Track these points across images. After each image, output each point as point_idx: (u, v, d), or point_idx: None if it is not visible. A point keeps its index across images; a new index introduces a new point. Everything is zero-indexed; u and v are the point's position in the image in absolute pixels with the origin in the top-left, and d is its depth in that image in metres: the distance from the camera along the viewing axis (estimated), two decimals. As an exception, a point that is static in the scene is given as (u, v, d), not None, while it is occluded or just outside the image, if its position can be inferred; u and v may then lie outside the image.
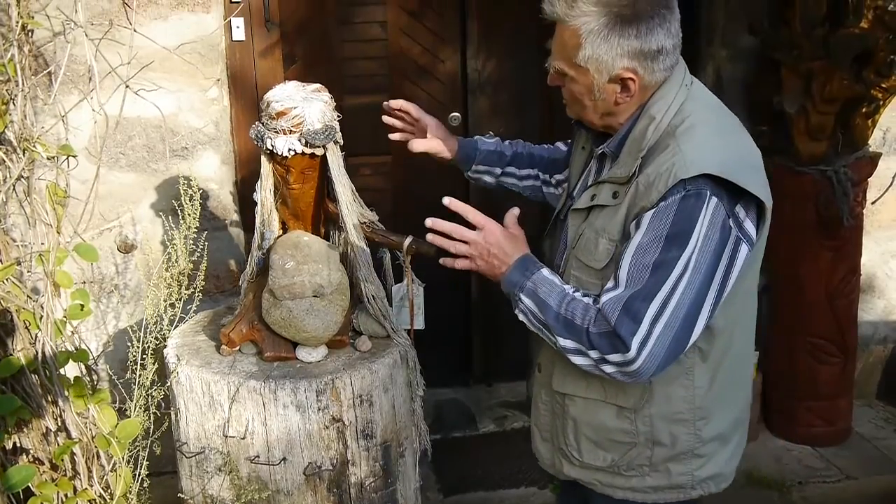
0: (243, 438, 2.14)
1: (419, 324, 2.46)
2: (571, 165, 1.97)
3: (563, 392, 1.84)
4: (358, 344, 2.31)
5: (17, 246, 2.33)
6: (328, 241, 2.42)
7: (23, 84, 2.20)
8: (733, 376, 1.78)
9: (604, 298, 1.59)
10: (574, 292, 1.66)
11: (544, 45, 1.74)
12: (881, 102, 3.25)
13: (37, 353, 2.14)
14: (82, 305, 2.21)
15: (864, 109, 3.25)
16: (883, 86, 3.15)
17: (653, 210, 1.56)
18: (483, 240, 1.72)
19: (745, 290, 1.71)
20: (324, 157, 2.19)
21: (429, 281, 2.48)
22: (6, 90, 2.18)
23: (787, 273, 3.51)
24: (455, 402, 3.99)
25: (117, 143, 3.15)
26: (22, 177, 2.21)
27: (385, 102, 2.27)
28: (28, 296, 2.18)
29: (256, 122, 2.17)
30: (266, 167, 2.26)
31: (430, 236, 1.75)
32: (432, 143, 2.25)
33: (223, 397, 2.14)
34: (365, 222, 2.35)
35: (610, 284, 1.61)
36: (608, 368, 1.60)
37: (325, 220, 2.42)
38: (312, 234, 2.35)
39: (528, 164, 2.27)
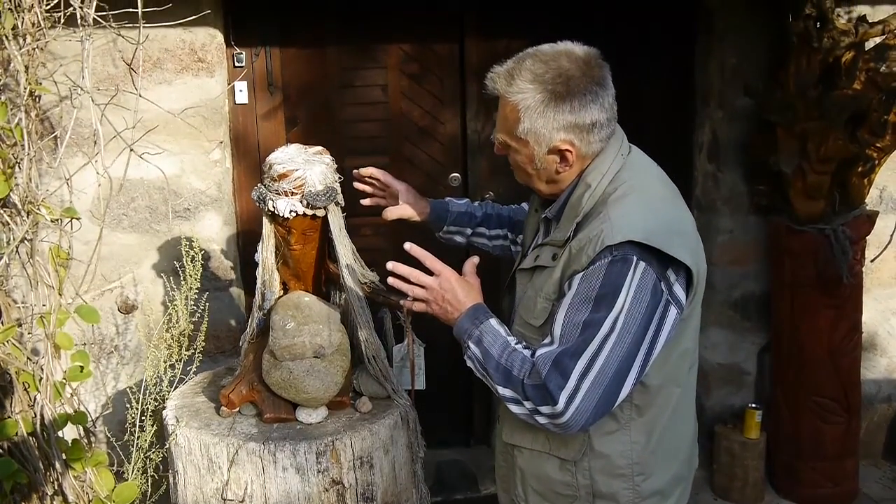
0: (242, 502, 2.11)
1: (420, 384, 2.45)
2: (526, 227, 2.05)
3: (512, 443, 1.91)
4: (358, 405, 2.30)
5: (19, 307, 2.33)
6: (329, 301, 2.42)
7: (29, 148, 2.23)
8: (672, 433, 1.82)
9: (539, 352, 1.65)
10: (516, 344, 1.72)
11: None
12: (876, 162, 3.28)
13: (35, 415, 2.13)
14: (82, 367, 2.20)
15: (859, 169, 3.28)
16: (878, 145, 3.18)
17: (582, 272, 1.65)
18: (439, 286, 1.80)
19: (680, 350, 1.78)
20: (325, 218, 2.21)
21: (430, 341, 2.47)
22: (12, 154, 2.21)
23: (789, 331, 3.51)
24: (456, 464, 3.94)
25: (120, 204, 3.18)
26: (25, 239, 2.23)
27: (355, 170, 2.35)
28: (28, 357, 2.18)
29: (258, 184, 2.19)
30: (267, 228, 2.27)
31: (390, 279, 1.83)
32: (404, 209, 2.34)
33: (222, 459, 2.12)
34: (366, 283, 2.36)
35: (546, 340, 1.68)
36: (541, 419, 1.65)
37: (325, 281, 2.42)
38: (313, 294, 2.35)
39: (498, 224, 2.36)
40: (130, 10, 2.42)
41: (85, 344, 3.04)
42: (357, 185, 2.36)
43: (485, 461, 3.98)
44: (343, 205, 2.25)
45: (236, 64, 3.42)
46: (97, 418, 2.93)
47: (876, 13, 3.40)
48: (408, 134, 3.74)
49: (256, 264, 2.35)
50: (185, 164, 3.24)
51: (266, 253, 2.31)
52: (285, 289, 2.38)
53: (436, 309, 1.82)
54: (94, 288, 2.65)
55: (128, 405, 2.45)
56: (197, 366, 2.54)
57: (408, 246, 1.85)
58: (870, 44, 3.16)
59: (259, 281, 2.34)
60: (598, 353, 1.60)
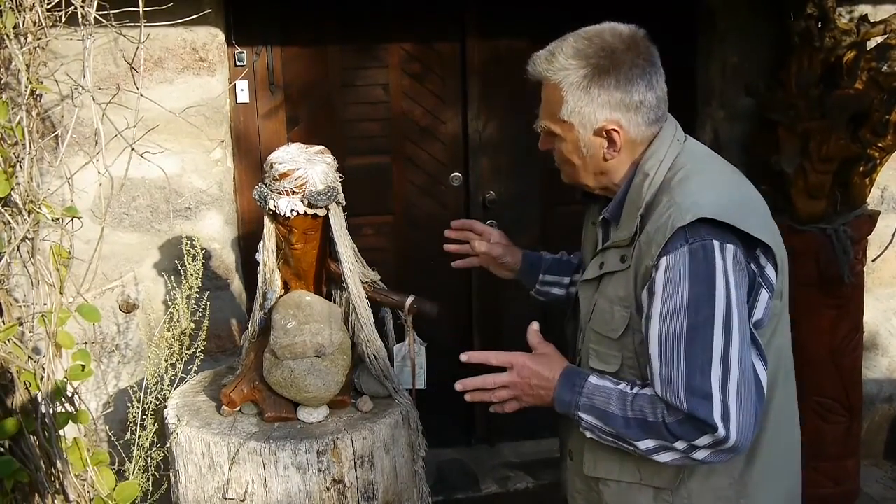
0: (243, 501, 2.11)
1: (421, 383, 2.45)
2: (584, 244, 1.91)
3: (596, 476, 1.72)
4: (359, 404, 2.29)
5: (20, 306, 2.33)
6: (330, 300, 2.42)
7: (30, 147, 2.23)
8: (776, 444, 1.64)
9: (656, 387, 1.50)
10: (630, 388, 1.56)
11: (535, 111, 1.75)
12: (878, 161, 3.28)
13: (36, 414, 2.13)
14: (83, 366, 2.20)
15: (861, 168, 3.28)
16: (879, 145, 3.18)
17: (661, 274, 1.49)
18: (518, 377, 1.65)
19: (777, 346, 1.62)
20: (326, 217, 2.21)
21: (430, 340, 2.47)
22: (13, 153, 2.21)
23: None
24: (457, 463, 3.94)
25: (121, 203, 3.18)
26: (26, 238, 2.23)
27: (446, 231, 2.25)
28: (29, 356, 2.18)
29: (260, 183, 2.19)
30: (269, 227, 2.27)
31: (468, 397, 1.72)
32: (494, 247, 2.17)
33: (223, 458, 2.12)
34: (367, 282, 2.36)
35: (652, 367, 1.51)
36: (700, 454, 1.49)
37: (327, 280, 2.42)
38: (314, 293, 2.35)
39: None
40: (132, 9, 2.42)
41: (86, 343, 3.04)
42: (448, 247, 2.25)
43: (486, 460, 3.98)
44: (344, 204, 2.25)
45: (237, 63, 3.42)
46: (98, 417, 2.93)
47: (878, 13, 3.40)
48: (409, 133, 3.74)
49: (257, 263, 2.35)
50: (186, 164, 3.24)
51: (267, 252, 2.31)
52: (286, 288, 2.38)
53: (528, 400, 1.67)
54: (95, 287, 2.65)
55: (129, 404, 2.45)
56: (198, 365, 2.54)
57: (464, 357, 1.72)
58: (871, 43, 3.15)
59: (260, 280, 2.34)
60: (727, 358, 1.44)
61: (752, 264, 1.52)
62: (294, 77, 3.58)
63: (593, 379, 1.60)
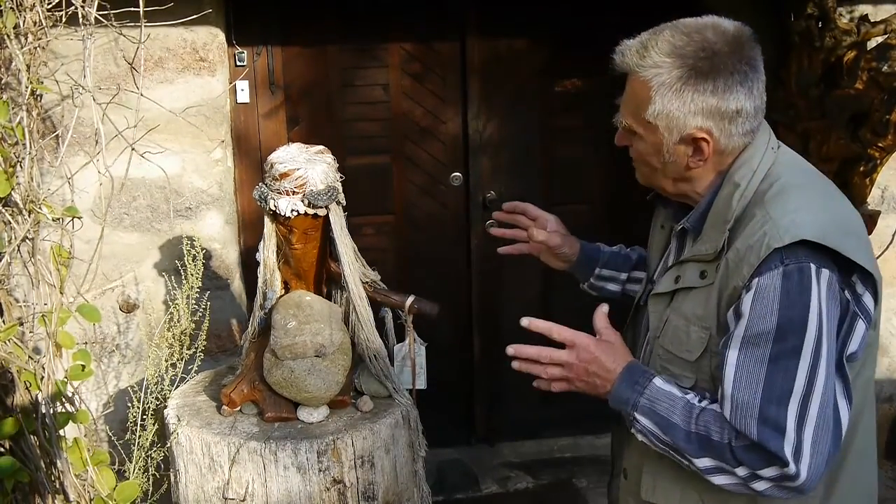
0: (243, 501, 2.11)
1: (421, 383, 2.45)
2: (651, 247, 1.78)
3: (654, 502, 1.60)
4: (359, 404, 2.29)
5: (20, 306, 2.34)
6: (330, 300, 2.42)
7: (30, 147, 2.23)
8: (858, 481, 1.51)
9: (726, 410, 1.39)
10: (699, 401, 1.45)
11: (613, 102, 1.61)
12: (878, 161, 3.28)
13: (36, 413, 2.13)
14: (83, 366, 2.20)
15: (861, 168, 3.27)
16: (879, 145, 3.18)
17: (751, 296, 1.37)
18: (577, 359, 1.51)
19: (865, 378, 1.50)
20: (326, 217, 2.21)
21: (430, 340, 2.47)
22: (14, 153, 2.21)
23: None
24: (457, 463, 3.94)
25: (122, 203, 3.18)
26: (27, 238, 2.23)
27: (494, 214, 2.08)
28: (29, 356, 2.18)
29: (260, 183, 2.19)
30: (269, 227, 2.27)
31: (515, 364, 1.56)
32: (553, 236, 1.98)
33: (223, 458, 2.12)
34: (367, 282, 2.36)
35: (724, 389, 1.39)
36: (760, 485, 1.38)
37: (327, 280, 2.42)
38: (315, 293, 2.35)
39: None
40: (132, 9, 2.43)
41: (86, 343, 3.04)
42: (494, 230, 2.09)
43: (486, 460, 3.98)
44: (344, 204, 2.25)
45: (238, 63, 3.42)
46: (99, 417, 2.93)
47: (878, 12, 3.39)
48: (409, 133, 3.74)
49: (258, 263, 2.35)
50: (186, 164, 3.24)
51: (267, 252, 2.31)
52: (287, 288, 2.38)
53: (581, 386, 1.53)
54: (95, 287, 2.65)
55: (129, 404, 2.45)
56: (198, 365, 2.54)
57: (525, 322, 1.56)
58: (872, 43, 3.15)
59: (260, 280, 2.34)
60: (810, 392, 1.33)
61: (846, 291, 1.40)
62: (294, 77, 3.58)
63: (658, 381, 1.48)
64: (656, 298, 1.59)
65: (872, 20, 3.15)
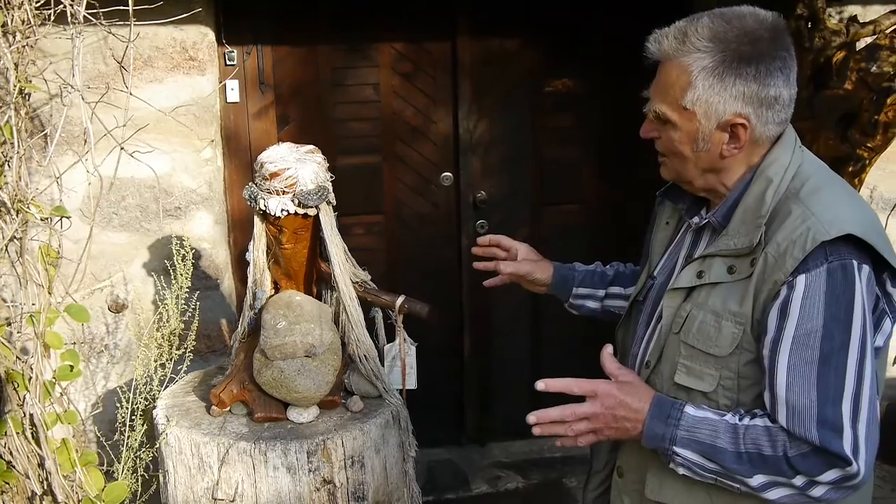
0: (232, 501, 2.10)
1: (411, 383, 2.45)
2: (652, 243, 1.76)
3: (660, 501, 1.58)
4: (350, 404, 2.29)
5: (8, 306, 2.32)
6: (320, 300, 2.41)
7: (18, 146, 2.22)
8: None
9: (781, 416, 1.37)
10: (739, 419, 1.43)
11: (641, 95, 1.60)
12: (867, 161, 3.29)
13: (24, 414, 2.12)
14: (72, 366, 2.19)
15: (850, 168, 3.28)
16: (868, 145, 3.19)
17: (798, 295, 1.36)
18: (603, 408, 1.47)
19: (880, 380, 1.47)
20: (316, 217, 2.20)
21: (421, 340, 2.47)
22: (2, 152, 2.20)
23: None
24: (448, 463, 3.94)
25: (110, 203, 3.17)
26: (15, 237, 2.22)
27: (473, 249, 2.14)
28: (17, 356, 2.17)
29: (250, 183, 2.18)
30: (259, 227, 2.26)
31: (537, 430, 1.50)
32: (521, 265, 2.02)
33: (213, 459, 2.11)
34: (357, 282, 2.35)
35: (777, 394, 1.39)
36: (818, 490, 1.37)
37: (317, 280, 2.42)
38: (305, 293, 2.34)
39: (633, 281, 1.94)
40: (121, 7, 2.41)
41: (75, 343, 3.03)
42: (476, 264, 2.12)
43: (476, 461, 3.98)
44: (335, 204, 2.24)
45: (228, 62, 3.41)
46: (87, 417, 2.91)
47: (867, 13, 3.41)
48: (400, 133, 3.74)
49: (247, 263, 2.34)
50: (176, 163, 3.23)
51: (257, 252, 2.30)
52: (276, 288, 2.37)
53: (610, 433, 1.50)
54: (84, 287, 2.64)
55: (118, 404, 2.44)
56: (187, 365, 2.53)
57: (541, 385, 1.48)
58: (861, 44, 3.16)
59: (250, 280, 2.33)
60: (860, 387, 1.34)
61: (877, 288, 1.42)
62: (284, 76, 3.57)
63: (690, 409, 1.45)
64: (673, 293, 1.56)
65: (861, 21, 3.16)
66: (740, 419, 1.43)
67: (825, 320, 1.35)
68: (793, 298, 1.37)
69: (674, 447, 1.44)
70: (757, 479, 1.40)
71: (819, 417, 1.34)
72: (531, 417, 1.49)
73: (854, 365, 1.34)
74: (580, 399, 1.49)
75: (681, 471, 1.47)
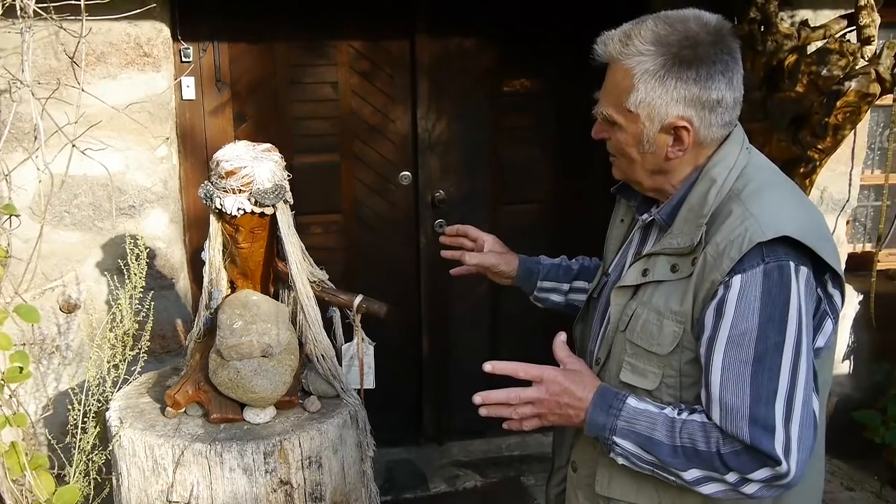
0: (188, 504, 2.08)
1: (369, 383, 2.44)
2: (608, 240, 1.78)
3: (609, 496, 1.59)
4: (307, 404, 2.27)
5: (-45, 307, 2.27)
6: (277, 300, 2.40)
7: (-35, 142, 2.17)
8: (805, 482, 1.45)
9: (715, 414, 1.39)
10: (678, 413, 1.44)
11: (591, 97, 1.60)
12: (818, 163, 3.35)
13: (-28, 417, 2.08)
14: (21, 368, 2.15)
15: (801, 170, 3.35)
16: (819, 147, 3.26)
17: (733, 295, 1.38)
18: (547, 393, 1.49)
19: (822, 380, 1.49)
20: (273, 216, 2.18)
21: (379, 339, 2.47)
22: (-52, 148, 2.15)
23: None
24: (406, 463, 3.94)
25: (62, 201, 3.11)
26: (-38, 236, 2.17)
27: (441, 238, 2.14)
28: (-35, 358, 2.12)
29: (206, 181, 2.15)
30: (214, 226, 2.23)
31: (484, 411, 1.52)
32: (486, 257, 2.04)
33: (167, 461, 2.08)
34: (315, 281, 2.34)
35: (711, 393, 1.40)
36: (751, 488, 1.39)
37: (274, 280, 2.40)
38: (261, 293, 2.33)
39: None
40: (73, 1, 2.37)
41: (24, 344, 2.97)
42: (444, 253, 2.11)
43: (435, 460, 3.99)
44: (292, 202, 2.23)
45: (183, 59, 3.37)
46: (37, 420, 2.86)
47: (818, 18, 3.48)
48: (358, 132, 3.72)
49: (203, 262, 2.31)
50: (129, 161, 3.18)
51: (213, 251, 2.28)
52: (233, 287, 2.35)
53: (553, 419, 1.52)
54: (34, 287, 2.59)
55: (70, 406, 2.40)
56: (141, 366, 2.50)
57: (488, 367, 1.53)
58: (812, 48, 3.23)
59: (206, 279, 2.31)
60: (794, 388, 1.35)
61: (819, 289, 1.43)
62: (241, 73, 3.54)
63: (632, 401, 1.47)
64: (620, 291, 1.57)
65: (812, 25, 3.23)
66: (679, 413, 1.44)
67: (760, 321, 1.36)
68: (728, 298, 1.38)
69: (613, 437, 1.46)
70: (691, 474, 1.42)
71: (751, 416, 1.35)
72: (477, 398, 1.51)
73: (788, 365, 1.35)
74: (528, 384, 1.51)
75: (620, 461, 1.49)
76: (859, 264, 4.03)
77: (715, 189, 1.47)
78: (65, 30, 2.51)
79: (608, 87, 1.52)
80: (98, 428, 2.35)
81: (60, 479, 2.33)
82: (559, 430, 1.78)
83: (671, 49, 1.43)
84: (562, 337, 1.58)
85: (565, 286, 2.03)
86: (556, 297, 2.04)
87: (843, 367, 4.14)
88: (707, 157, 1.52)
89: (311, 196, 3.56)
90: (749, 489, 1.39)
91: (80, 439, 2.37)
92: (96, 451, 2.36)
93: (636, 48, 1.45)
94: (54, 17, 2.36)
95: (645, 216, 1.63)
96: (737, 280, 1.38)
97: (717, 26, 1.47)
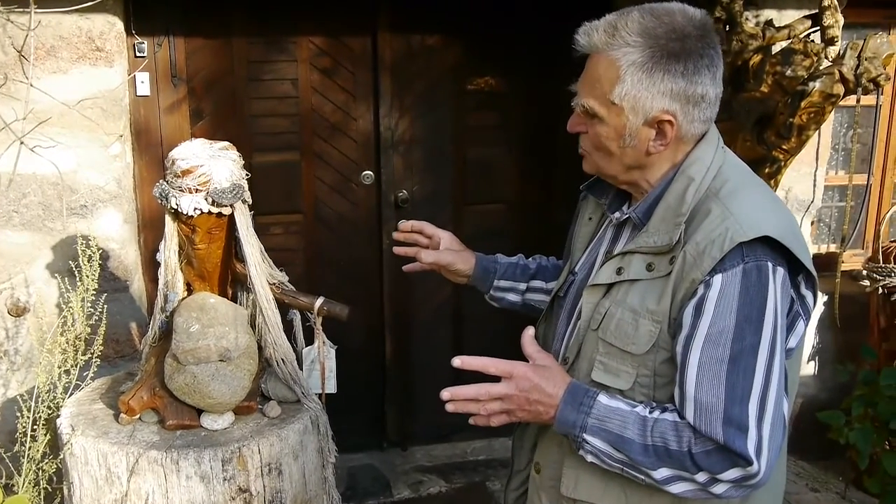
0: (142, 514, 2.03)
1: (331, 387, 2.42)
2: (575, 238, 1.76)
3: (575, 498, 1.58)
4: (266, 410, 2.25)
5: None
6: (236, 303, 2.36)
7: None
8: (770, 481, 1.46)
9: (688, 413, 1.39)
10: (649, 412, 1.44)
11: (569, 88, 1.57)
12: (783, 163, 3.38)
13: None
14: (-35, 374, 2.07)
15: (766, 170, 3.37)
16: (783, 147, 3.28)
17: (713, 294, 1.38)
18: (517, 389, 1.47)
19: (790, 381, 1.49)
20: (231, 216, 2.16)
21: (341, 343, 2.44)
22: None
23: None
24: (369, 468, 3.91)
25: (10, 200, 3.02)
26: None
27: (394, 234, 2.08)
28: None
29: (161, 180, 2.13)
30: (170, 226, 2.20)
31: (451, 407, 1.49)
32: (443, 255, 1.98)
33: (121, 469, 2.04)
34: (274, 283, 2.31)
35: (686, 392, 1.40)
36: (720, 488, 1.39)
37: (232, 282, 2.37)
38: (219, 295, 2.29)
39: (555, 275, 1.95)
40: (21, -8, 2.29)
41: (-29, 349, 2.88)
42: (397, 249, 2.05)
43: (398, 465, 3.96)
44: (250, 202, 2.20)
45: (137, 54, 3.29)
46: (-16, 428, 2.78)
47: (782, 18, 3.50)
48: (319, 130, 3.68)
49: (158, 264, 2.27)
50: (81, 159, 3.10)
51: (169, 252, 2.24)
52: (189, 290, 2.32)
53: (522, 415, 1.50)
54: (-20, 289, 2.50)
55: (18, 413, 2.35)
56: (94, 371, 2.46)
57: (457, 362, 1.48)
58: (776, 48, 3.24)
59: (161, 282, 2.27)
60: (767, 388, 1.36)
61: (793, 290, 1.44)
62: (198, 69, 3.47)
63: (603, 398, 1.46)
64: (592, 289, 1.55)
65: (777, 25, 3.24)
66: (650, 412, 1.44)
67: (737, 320, 1.36)
68: (708, 297, 1.38)
69: (584, 434, 1.45)
70: (661, 473, 1.42)
71: (725, 416, 1.35)
72: (445, 393, 1.48)
73: (763, 365, 1.36)
74: (497, 379, 1.49)
75: (589, 458, 1.48)
76: (824, 265, 4.07)
77: (693, 187, 1.46)
78: (12, 22, 2.42)
79: (590, 79, 1.49)
80: (48, 436, 2.29)
81: (8, 490, 2.26)
82: (519, 431, 1.76)
83: (659, 41, 1.42)
84: (530, 332, 1.56)
85: (522, 286, 2.01)
86: (512, 297, 2.01)
87: (808, 368, 4.18)
88: (685, 154, 1.51)
89: (270, 196, 3.51)
90: (718, 489, 1.39)
91: (30, 448, 2.31)
92: (47, 460, 2.31)
93: (623, 39, 1.43)
94: (1, 8, 2.28)
95: (618, 214, 1.62)
96: (717, 279, 1.38)
97: (702, 21, 1.46)
